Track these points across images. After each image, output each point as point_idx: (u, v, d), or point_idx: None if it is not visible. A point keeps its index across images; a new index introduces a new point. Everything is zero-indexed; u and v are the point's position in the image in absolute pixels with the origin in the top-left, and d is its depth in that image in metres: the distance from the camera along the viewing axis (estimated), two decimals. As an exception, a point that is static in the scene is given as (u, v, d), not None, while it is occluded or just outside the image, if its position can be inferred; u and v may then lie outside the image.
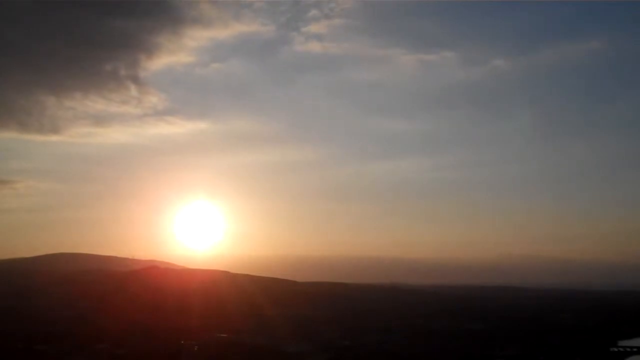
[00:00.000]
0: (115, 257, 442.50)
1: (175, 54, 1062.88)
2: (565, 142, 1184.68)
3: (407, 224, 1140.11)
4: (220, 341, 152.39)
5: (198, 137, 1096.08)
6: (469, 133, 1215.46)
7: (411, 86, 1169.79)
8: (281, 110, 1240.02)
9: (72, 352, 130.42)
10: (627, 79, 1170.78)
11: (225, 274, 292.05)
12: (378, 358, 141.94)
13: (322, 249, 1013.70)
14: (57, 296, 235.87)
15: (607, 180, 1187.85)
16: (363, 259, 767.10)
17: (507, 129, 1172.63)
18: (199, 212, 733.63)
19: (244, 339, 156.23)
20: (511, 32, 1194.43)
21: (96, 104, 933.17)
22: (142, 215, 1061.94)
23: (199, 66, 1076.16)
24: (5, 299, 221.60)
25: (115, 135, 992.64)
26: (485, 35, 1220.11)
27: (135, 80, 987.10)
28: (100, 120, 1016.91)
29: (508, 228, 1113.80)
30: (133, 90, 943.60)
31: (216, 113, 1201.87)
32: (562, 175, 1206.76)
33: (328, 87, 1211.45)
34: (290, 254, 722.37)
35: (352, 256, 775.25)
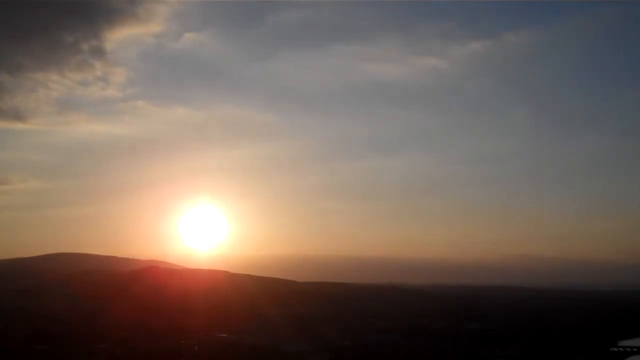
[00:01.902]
0: (115, 257, 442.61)
1: (141, 23, 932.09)
2: (566, 139, 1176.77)
3: (407, 223, 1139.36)
4: (220, 341, 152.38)
5: (180, 127, 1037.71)
6: (468, 127, 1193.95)
7: (404, 67, 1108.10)
8: (266, 94, 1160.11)
9: (72, 352, 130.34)
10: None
11: (225, 274, 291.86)
12: (378, 358, 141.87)
13: (322, 249, 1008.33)
14: (57, 296, 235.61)
15: (607, 179, 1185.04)
16: (363, 259, 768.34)
17: (506, 124, 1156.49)
18: (196, 211, 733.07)
19: (244, 339, 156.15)
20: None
21: (59, 85, 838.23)
22: (136, 214, 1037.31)
23: (170, 37, 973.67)
24: (5, 299, 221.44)
25: (85, 124, 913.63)
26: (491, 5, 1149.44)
27: (99, 55, 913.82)
28: (65, 105, 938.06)
29: (508, 228, 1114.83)
30: (98, 68, 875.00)
31: (193, 97, 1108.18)
32: (563, 175, 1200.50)
33: (312, 65, 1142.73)
34: (290, 254, 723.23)
35: (352, 256, 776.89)
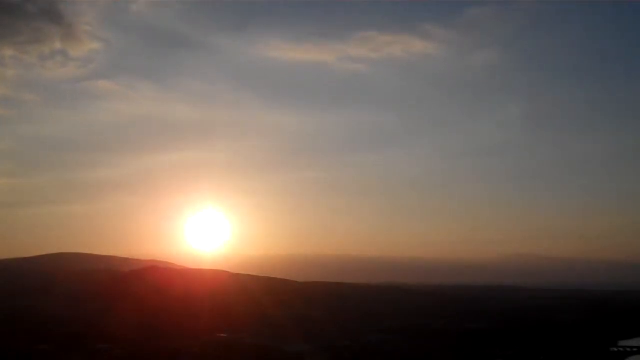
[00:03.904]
0: (115, 257, 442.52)
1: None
2: (566, 136, 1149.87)
3: (406, 222, 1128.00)
4: (221, 341, 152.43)
5: (156, 115, 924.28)
6: (467, 116, 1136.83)
7: (396, 40, 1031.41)
8: (249, 74, 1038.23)
9: (72, 352, 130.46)
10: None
11: (225, 274, 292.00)
12: (378, 358, 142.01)
13: (322, 249, 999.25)
14: (57, 296, 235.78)
15: (607, 176, 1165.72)
16: (363, 259, 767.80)
17: (507, 115, 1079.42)
18: (194, 210, 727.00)
19: (244, 339, 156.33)
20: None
21: (12, 60, 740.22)
22: (132, 212, 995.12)
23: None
24: (6, 299, 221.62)
25: (44, 109, 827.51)
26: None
27: (56, 21, 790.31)
28: (23, 86, 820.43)
29: (508, 227, 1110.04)
30: (57, 40, 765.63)
31: (164, 74, 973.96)
32: (563, 173, 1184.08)
33: (293, 38, 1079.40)
34: (290, 254, 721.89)
35: (352, 256, 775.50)
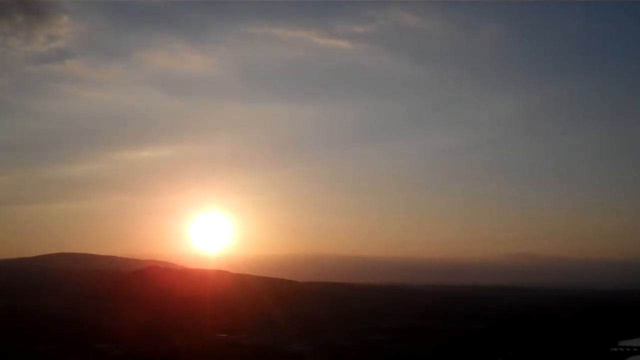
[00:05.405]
0: (116, 257, 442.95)
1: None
2: (568, 135, 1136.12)
3: (406, 221, 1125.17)
4: (220, 341, 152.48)
5: (140, 103, 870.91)
6: (463, 114, 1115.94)
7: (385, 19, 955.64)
8: (236, 60, 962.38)
9: (72, 352, 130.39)
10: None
11: (225, 274, 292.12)
12: (378, 358, 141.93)
13: (322, 248, 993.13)
14: (57, 296, 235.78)
15: (608, 175, 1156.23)
16: (363, 259, 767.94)
17: (503, 114, 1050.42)
18: (192, 210, 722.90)
19: (243, 339, 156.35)
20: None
21: None
22: (132, 212, 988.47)
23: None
24: (6, 299, 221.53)
25: (10, 96, 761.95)
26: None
27: None
28: None
29: (508, 227, 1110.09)
30: (19, 14, 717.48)
31: (139, 52, 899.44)
32: (564, 173, 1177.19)
33: (270, 12, 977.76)
34: (290, 254, 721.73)
35: (352, 256, 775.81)
